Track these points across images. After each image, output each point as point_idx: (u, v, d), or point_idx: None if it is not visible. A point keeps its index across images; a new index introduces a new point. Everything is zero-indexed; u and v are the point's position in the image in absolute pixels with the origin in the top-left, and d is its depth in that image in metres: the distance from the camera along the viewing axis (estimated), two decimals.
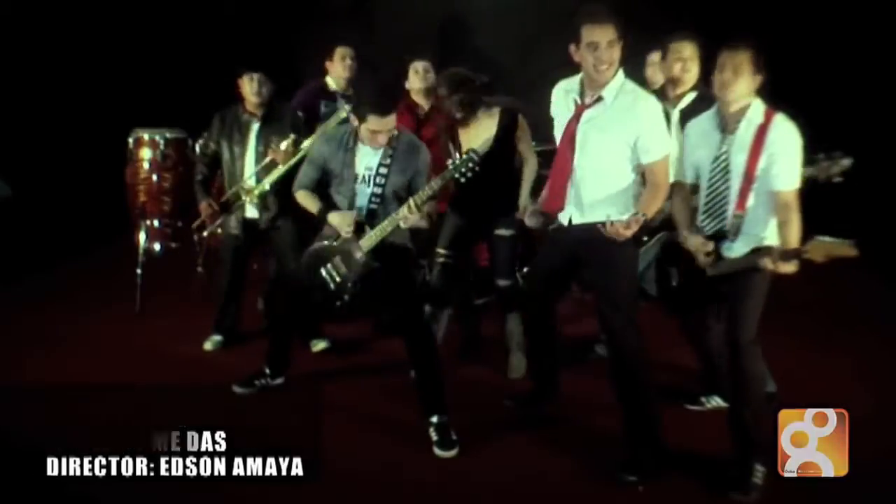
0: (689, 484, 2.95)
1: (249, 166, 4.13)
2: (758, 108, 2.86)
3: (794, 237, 2.73)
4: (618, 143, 2.98)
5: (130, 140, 5.02)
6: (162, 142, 4.96)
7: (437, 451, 3.19)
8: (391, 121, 3.34)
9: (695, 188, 3.10)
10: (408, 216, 3.28)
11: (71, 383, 3.77)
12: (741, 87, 2.82)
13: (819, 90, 6.08)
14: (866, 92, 6.33)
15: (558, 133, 3.15)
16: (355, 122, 3.39)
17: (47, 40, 6.59)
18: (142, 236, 4.94)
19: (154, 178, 4.96)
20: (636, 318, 3.13)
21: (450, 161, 3.30)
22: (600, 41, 2.87)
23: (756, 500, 2.82)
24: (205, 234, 4.52)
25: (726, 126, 2.90)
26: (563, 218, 3.16)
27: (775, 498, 2.83)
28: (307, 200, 3.54)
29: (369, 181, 3.45)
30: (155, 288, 4.96)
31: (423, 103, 4.30)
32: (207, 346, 4.31)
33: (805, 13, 6.32)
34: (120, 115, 5.52)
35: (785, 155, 2.78)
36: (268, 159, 4.05)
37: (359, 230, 3.40)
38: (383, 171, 3.43)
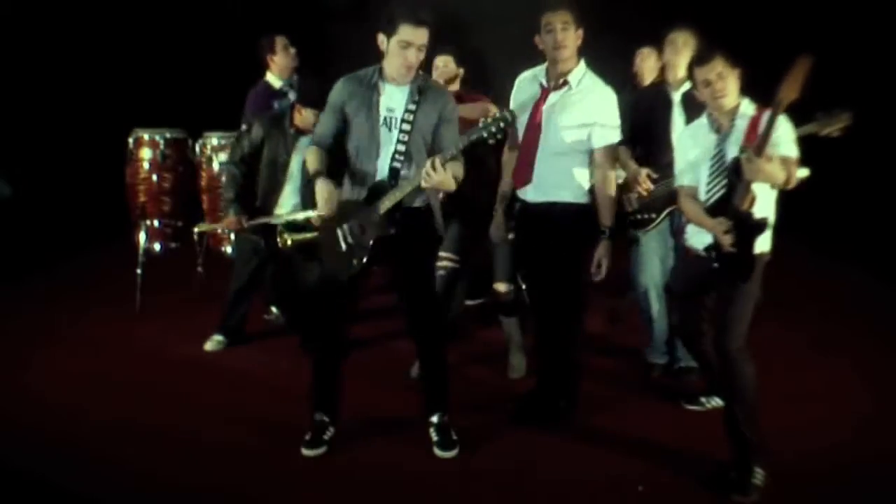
0: (689, 484, 2.95)
1: (292, 182, 4.02)
2: (748, 105, 2.90)
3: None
4: (577, 125, 3.22)
5: (130, 140, 5.03)
6: (162, 142, 4.97)
7: (436, 451, 3.17)
8: (424, 34, 2.93)
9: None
10: (430, 174, 2.85)
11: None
12: (730, 89, 2.85)
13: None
14: (858, 90, 6.33)
15: (522, 117, 3.32)
16: (382, 45, 2.96)
17: (47, 40, 6.60)
18: (142, 236, 4.95)
19: (154, 178, 4.97)
20: (584, 303, 3.45)
21: (481, 120, 2.90)
22: (555, 24, 3.19)
23: (756, 501, 2.82)
24: (195, 232, 4.51)
25: (720, 127, 2.93)
26: (523, 194, 3.37)
27: (775, 498, 2.83)
28: (312, 157, 3.07)
29: (392, 125, 3.02)
30: (155, 288, 4.96)
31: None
32: (208, 346, 4.31)
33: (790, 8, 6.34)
34: (120, 115, 5.52)
35: (783, 134, 2.77)
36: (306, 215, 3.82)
37: (376, 195, 3.02)
38: (409, 115, 3.01)
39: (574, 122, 3.22)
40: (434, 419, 3.24)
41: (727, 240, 2.81)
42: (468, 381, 3.84)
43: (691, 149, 3.03)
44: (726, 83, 2.83)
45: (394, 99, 3.04)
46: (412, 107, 3.01)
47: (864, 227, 6.18)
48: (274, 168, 4.05)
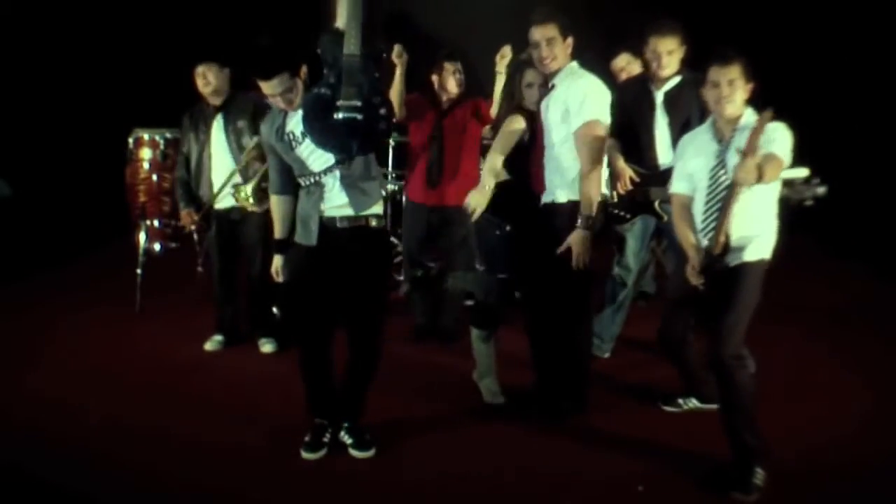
0: (689, 484, 2.95)
1: (217, 156, 4.16)
2: (751, 115, 2.88)
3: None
4: (558, 117, 3.24)
5: (130, 140, 5.02)
6: (162, 142, 4.96)
7: (355, 452, 3.16)
8: (275, 84, 2.96)
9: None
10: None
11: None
12: (738, 99, 2.84)
13: (810, 93, 6.08)
14: (860, 94, 6.33)
15: None
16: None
17: (47, 40, 6.60)
18: (142, 236, 4.95)
19: (154, 178, 4.96)
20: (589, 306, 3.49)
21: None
22: (539, 40, 3.24)
23: (756, 500, 2.82)
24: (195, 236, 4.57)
25: (722, 136, 2.93)
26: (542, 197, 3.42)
27: (775, 498, 2.83)
28: (276, 214, 3.23)
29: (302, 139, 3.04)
30: (155, 288, 4.96)
31: (445, 97, 4.33)
32: (208, 346, 4.32)
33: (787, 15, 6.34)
34: (120, 115, 5.52)
35: (780, 137, 2.75)
36: (244, 162, 4.06)
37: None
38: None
39: (557, 114, 3.26)
40: (347, 424, 3.23)
41: (696, 280, 2.94)
42: (468, 382, 3.84)
43: (692, 158, 3.01)
44: (734, 92, 2.82)
45: (298, 121, 3.03)
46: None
47: (868, 227, 6.18)
48: (200, 153, 4.21)
